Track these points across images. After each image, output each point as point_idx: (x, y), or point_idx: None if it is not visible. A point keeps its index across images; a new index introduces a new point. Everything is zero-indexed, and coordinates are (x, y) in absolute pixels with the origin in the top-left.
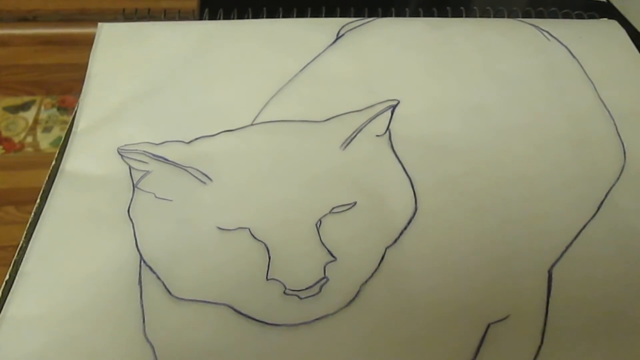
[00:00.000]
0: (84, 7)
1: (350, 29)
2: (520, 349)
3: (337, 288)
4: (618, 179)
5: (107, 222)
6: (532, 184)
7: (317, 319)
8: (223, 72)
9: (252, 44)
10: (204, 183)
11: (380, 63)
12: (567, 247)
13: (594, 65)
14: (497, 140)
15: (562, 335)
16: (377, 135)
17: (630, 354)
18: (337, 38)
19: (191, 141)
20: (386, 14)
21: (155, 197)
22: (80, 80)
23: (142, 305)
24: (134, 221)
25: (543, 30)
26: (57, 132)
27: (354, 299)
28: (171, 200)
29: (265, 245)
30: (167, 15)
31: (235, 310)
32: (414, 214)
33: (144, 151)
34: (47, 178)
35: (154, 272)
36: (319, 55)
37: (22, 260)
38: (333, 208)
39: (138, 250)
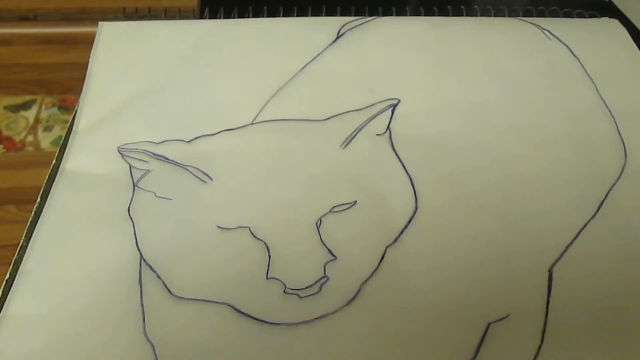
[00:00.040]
0: (84, 6)
1: (351, 28)
2: (521, 348)
3: (337, 287)
4: (619, 178)
5: (107, 221)
6: (533, 183)
7: (317, 318)
8: (223, 71)
9: (253, 43)
10: (204, 182)
11: (381, 62)
12: (567, 247)
13: (594, 64)
14: (498, 139)
15: (562, 334)
16: (378, 134)
17: (630, 352)
18: (338, 37)
19: (191, 140)
20: (387, 13)
21: (156, 196)
22: (81, 79)
23: (142, 304)
24: (134, 220)
25: (544, 29)
26: (58, 131)
27: (354, 298)
28: (171, 199)
29: (265, 244)
30: (168, 14)
31: (235, 309)
32: (414, 213)
33: (144, 150)
34: (47, 177)
35: (154, 271)
36: (319, 54)
37: (22, 259)
38: (333, 207)
39: (138, 249)
